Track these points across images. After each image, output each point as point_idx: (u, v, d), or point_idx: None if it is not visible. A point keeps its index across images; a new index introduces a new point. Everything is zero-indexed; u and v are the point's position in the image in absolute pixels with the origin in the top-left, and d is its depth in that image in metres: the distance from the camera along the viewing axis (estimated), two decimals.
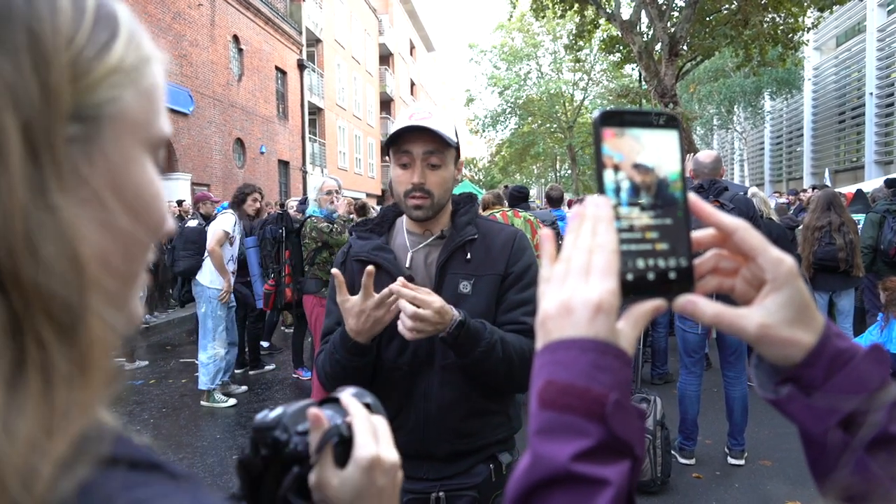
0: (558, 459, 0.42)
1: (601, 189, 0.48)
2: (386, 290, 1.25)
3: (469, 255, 1.44)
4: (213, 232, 5.22)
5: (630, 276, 0.48)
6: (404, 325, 1.24)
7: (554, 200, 6.61)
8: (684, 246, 0.50)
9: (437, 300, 1.23)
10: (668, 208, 0.49)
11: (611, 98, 27.11)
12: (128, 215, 0.38)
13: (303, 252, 4.93)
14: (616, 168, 0.48)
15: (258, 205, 5.65)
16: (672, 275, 0.49)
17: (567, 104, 29.92)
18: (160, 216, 0.42)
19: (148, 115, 0.40)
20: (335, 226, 4.82)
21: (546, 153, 32.04)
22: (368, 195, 27.64)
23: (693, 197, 0.50)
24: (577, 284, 0.46)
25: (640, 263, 0.48)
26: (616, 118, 0.49)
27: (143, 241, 0.40)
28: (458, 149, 1.46)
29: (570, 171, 32.11)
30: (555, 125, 30.49)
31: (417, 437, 1.42)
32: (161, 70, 0.42)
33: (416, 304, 1.22)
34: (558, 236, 3.79)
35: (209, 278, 5.27)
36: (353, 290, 1.33)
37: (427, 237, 1.49)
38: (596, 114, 0.49)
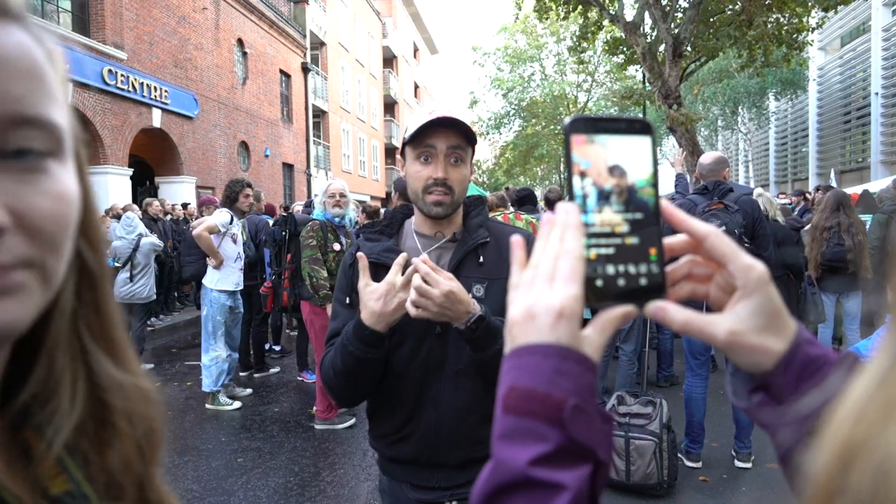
0: (517, 464, 0.43)
1: (571, 195, 0.49)
2: (410, 270, 1.25)
3: (482, 259, 1.42)
4: (206, 222, 5.23)
5: (600, 283, 0.48)
6: (410, 299, 1.23)
7: (550, 203, 6.46)
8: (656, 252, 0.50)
9: (447, 284, 1.21)
10: (640, 214, 0.49)
11: (615, 99, 27.08)
12: None
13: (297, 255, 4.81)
14: (587, 174, 0.48)
15: (251, 200, 5.46)
16: (643, 281, 0.48)
17: (571, 106, 29.88)
18: None
19: None
20: (329, 239, 4.54)
21: (550, 155, 31.96)
22: (373, 198, 27.67)
23: (665, 203, 0.51)
24: (542, 290, 0.47)
25: (611, 269, 0.48)
26: (587, 125, 0.49)
27: None
28: (474, 147, 1.45)
29: None
30: (559, 127, 30.46)
31: (429, 445, 1.39)
32: None
33: (428, 282, 1.22)
34: None
35: (214, 281, 5.28)
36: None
37: (438, 239, 1.47)
38: (567, 121, 0.49)
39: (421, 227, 1.49)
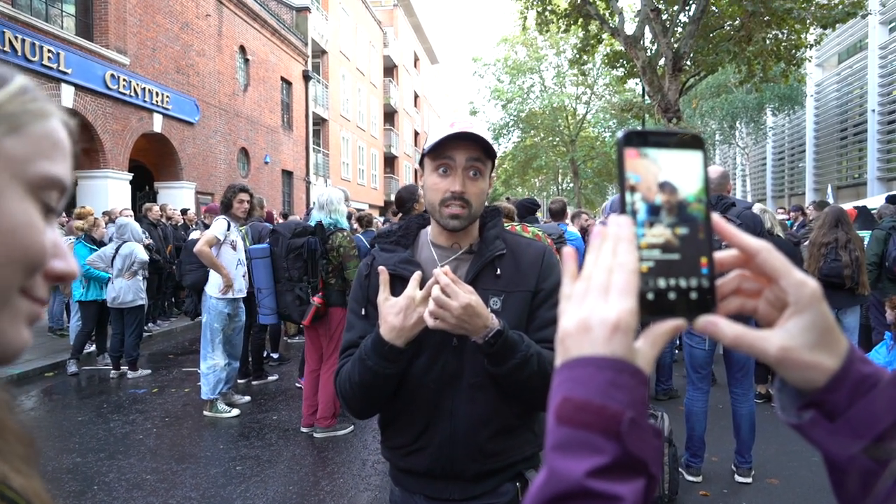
0: (573, 475, 0.43)
1: (623, 209, 0.49)
2: (431, 281, 1.23)
3: (499, 271, 1.40)
4: (205, 236, 5.22)
5: (651, 296, 0.48)
6: (428, 309, 1.22)
7: (554, 213, 6.35)
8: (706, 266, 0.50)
9: (465, 297, 1.20)
10: (691, 228, 0.49)
11: (613, 112, 27.22)
12: None
13: (324, 264, 4.68)
14: (637, 189, 0.48)
15: (246, 205, 5.33)
16: (693, 295, 0.49)
17: (570, 118, 30.01)
18: (21, 247, 0.44)
19: (28, 156, 0.46)
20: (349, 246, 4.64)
21: (548, 166, 32.07)
22: (371, 206, 27.70)
23: (716, 217, 0.51)
24: (596, 303, 0.47)
25: (662, 283, 0.48)
26: (640, 138, 0.49)
27: None
28: (493, 160, 1.43)
29: (572, 185, 32.17)
30: (557, 139, 30.58)
31: (444, 456, 1.38)
32: (61, 129, 0.49)
33: (448, 294, 1.20)
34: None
35: (215, 288, 5.27)
36: (376, 305, 1.32)
37: (455, 251, 1.45)
38: (620, 134, 0.49)
39: (437, 238, 1.47)
